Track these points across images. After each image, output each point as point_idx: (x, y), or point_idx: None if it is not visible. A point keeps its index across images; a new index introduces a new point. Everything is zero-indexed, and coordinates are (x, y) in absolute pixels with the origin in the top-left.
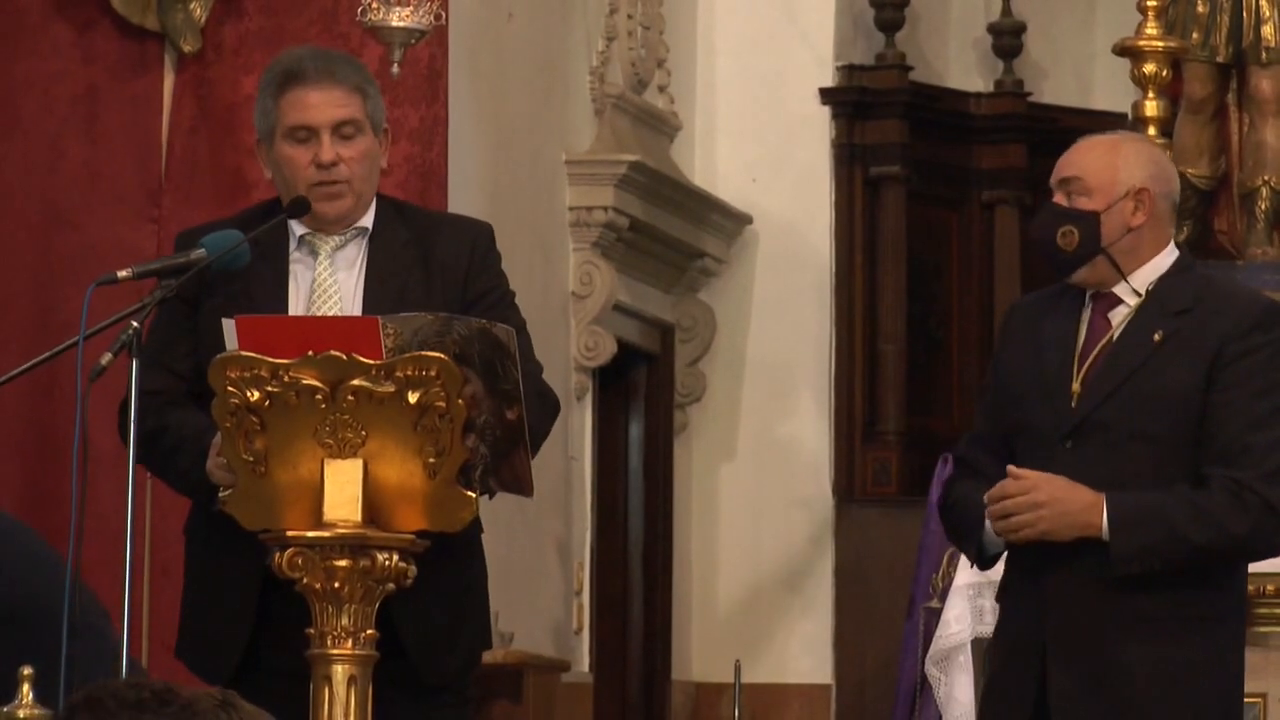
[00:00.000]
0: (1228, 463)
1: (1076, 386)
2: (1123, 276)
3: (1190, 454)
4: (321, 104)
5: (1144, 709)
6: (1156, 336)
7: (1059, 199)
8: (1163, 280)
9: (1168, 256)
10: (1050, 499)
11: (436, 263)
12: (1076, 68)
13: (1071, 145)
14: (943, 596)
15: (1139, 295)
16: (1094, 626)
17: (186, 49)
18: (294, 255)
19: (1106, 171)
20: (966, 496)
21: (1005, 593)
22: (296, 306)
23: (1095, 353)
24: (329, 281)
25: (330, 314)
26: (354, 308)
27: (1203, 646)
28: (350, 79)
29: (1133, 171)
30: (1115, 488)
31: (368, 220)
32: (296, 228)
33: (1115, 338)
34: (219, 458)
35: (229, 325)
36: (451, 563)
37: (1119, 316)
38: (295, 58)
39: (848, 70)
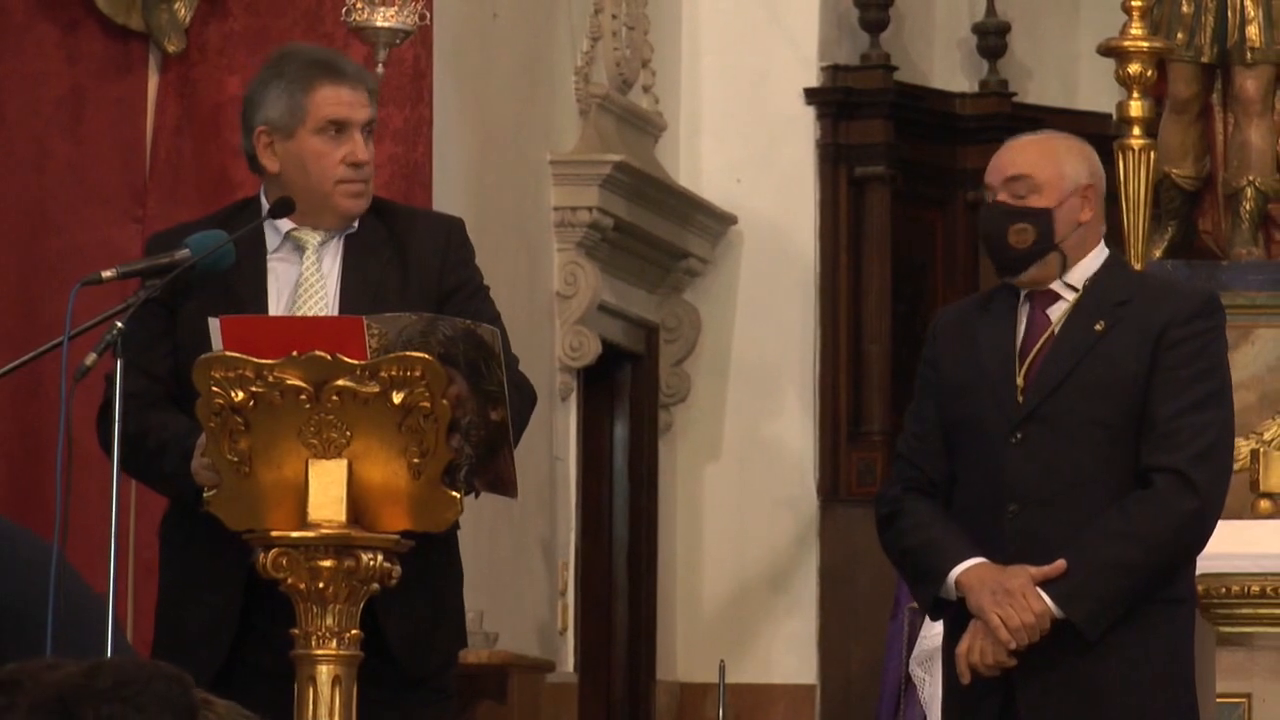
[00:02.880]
0: (1160, 446)
1: (1020, 380)
2: (1064, 272)
3: (1135, 439)
4: (356, 103)
5: (1109, 695)
6: (1098, 326)
7: (1003, 198)
8: (1098, 275)
9: (1100, 253)
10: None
11: (413, 257)
12: (1061, 68)
13: (1002, 146)
14: None
15: (1075, 291)
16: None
17: (171, 49)
18: (276, 254)
19: (1053, 168)
20: (923, 535)
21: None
22: (279, 303)
23: (1037, 347)
24: (314, 278)
25: (316, 309)
26: (333, 303)
27: (1166, 630)
28: (369, 82)
29: (1078, 168)
30: (1064, 477)
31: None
32: (282, 224)
33: (1056, 331)
34: (203, 458)
35: (213, 325)
36: (432, 558)
37: (1058, 311)
38: (322, 52)
39: (832, 70)
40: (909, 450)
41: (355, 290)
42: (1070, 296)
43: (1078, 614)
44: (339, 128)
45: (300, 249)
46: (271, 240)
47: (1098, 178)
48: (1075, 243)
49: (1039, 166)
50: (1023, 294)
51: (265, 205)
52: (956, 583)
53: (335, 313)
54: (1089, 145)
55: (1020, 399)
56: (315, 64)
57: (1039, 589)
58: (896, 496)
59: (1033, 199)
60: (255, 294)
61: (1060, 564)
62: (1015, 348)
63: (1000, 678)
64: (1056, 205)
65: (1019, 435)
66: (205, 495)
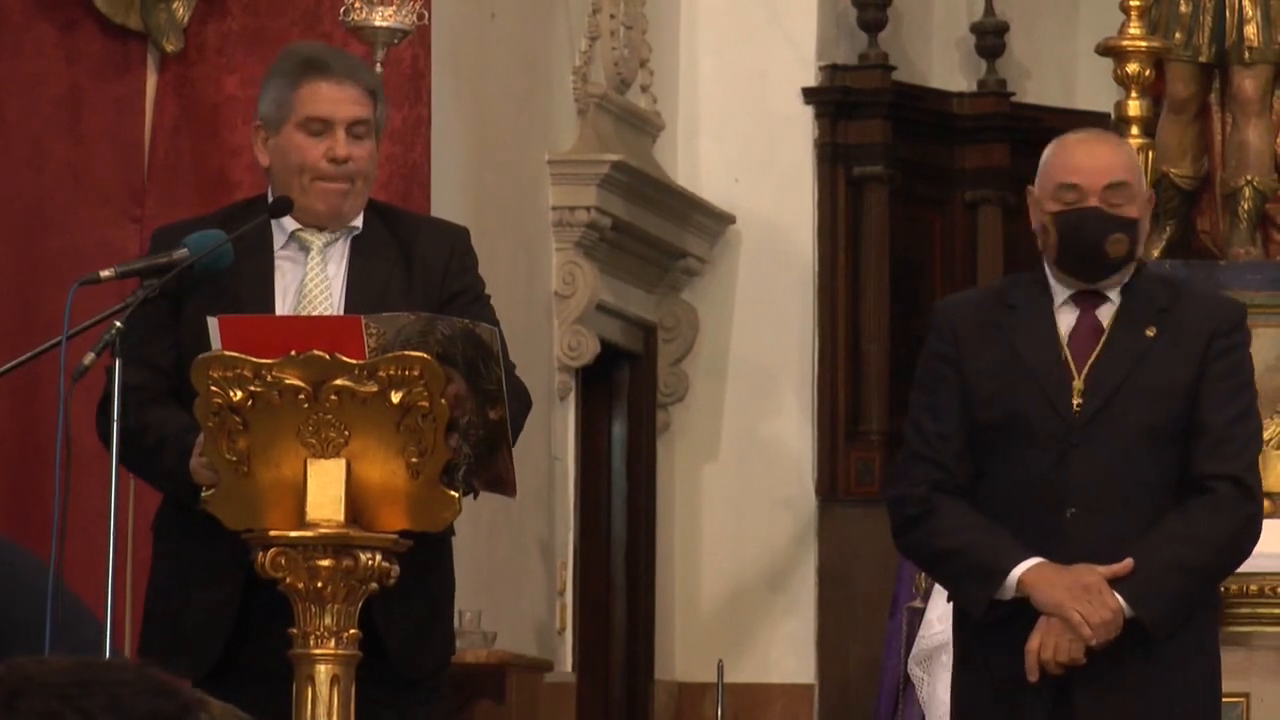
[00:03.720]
0: (1216, 453)
1: (1079, 384)
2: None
3: (1183, 445)
4: (342, 99)
5: (1163, 699)
6: (1149, 332)
7: (1098, 203)
8: (1135, 279)
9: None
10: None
11: (417, 262)
12: (1059, 68)
13: (1078, 143)
14: (925, 596)
15: (1116, 293)
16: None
17: (169, 49)
18: (282, 252)
19: (1141, 178)
20: (967, 536)
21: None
22: (284, 304)
23: (1096, 351)
24: (319, 278)
25: (320, 310)
26: (339, 304)
27: (1209, 635)
28: (368, 81)
29: (1142, 176)
30: (1123, 481)
31: (358, 220)
32: (287, 224)
33: (1109, 336)
34: (201, 457)
35: (212, 324)
36: (427, 559)
37: (1107, 315)
38: (317, 49)
39: (830, 70)
40: (929, 450)
41: (361, 292)
42: (1115, 298)
43: (1147, 614)
44: (322, 124)
45: (305, 249)
46: (278, 239)
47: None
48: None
49: (1136, 174)
50: (1064, 295)
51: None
52: (1020, 581)
53: (340, 314)
54: None
55: (1079, 401)
56: (305, 61)
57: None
58: (924, 496)
59: (1127, 208)
60: (262, 293)
61: (1128, 563)
62: (1063, 349)
63: (1050, 680)
64: (1140, 216)
65: (1078, 439)
66: (203, 495)
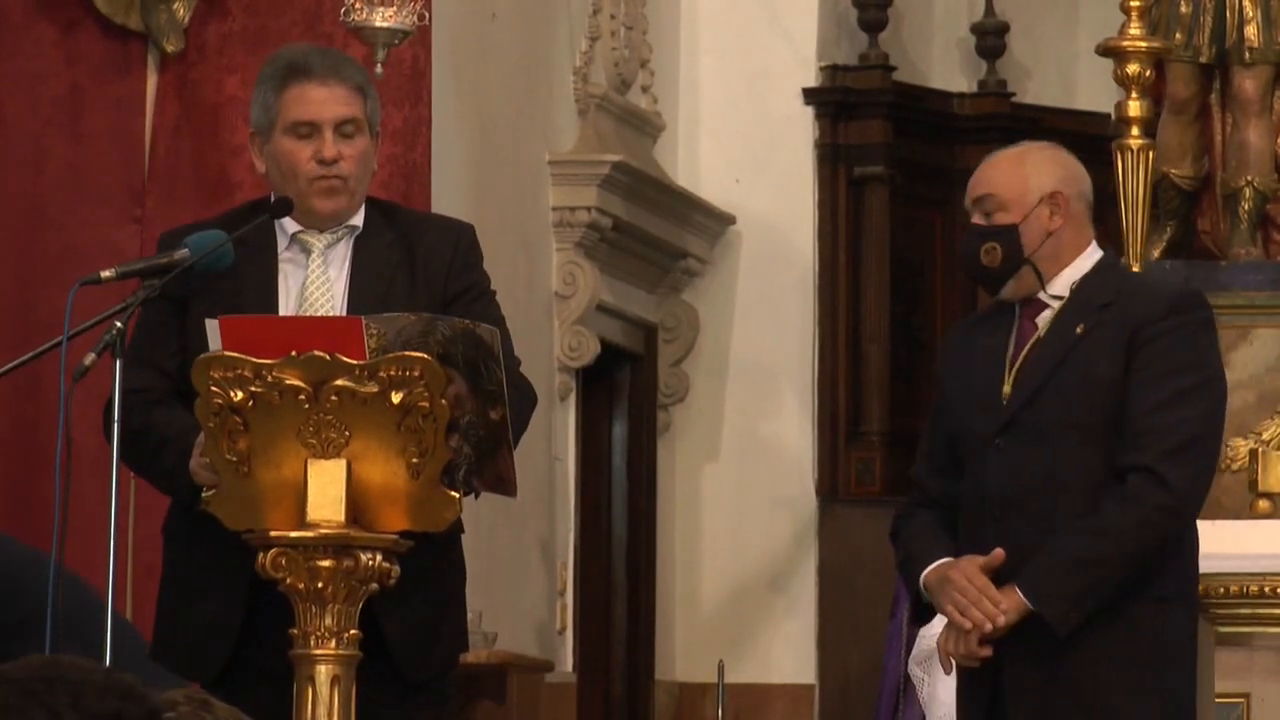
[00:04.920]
0: (1131, 445)
1: (1007, 389)
2: (1042, 283)
3: (1113, 441)
4: (326, 100)
5: (1093, 693)
6: (1079, 329)
7: (977, 219)
8: (1085, 279)
9: (1090, 257)
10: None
11: (421, 261)
12: (1060, 68)
13: (980, 165)
14: None
15: (1063, 297)
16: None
17: (169, 49)
18: (285, 254)
19: (1017, 183)
20: (909, 546)
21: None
22: (287, 305)
23: (1023, 355)
24: (321, 279)
25: (323, 311)
26: (341, 305)
27: (1154, 629)
28: (354, 78)
29: (1043, 178)
30: (1039, 480)
31: (358, 219)
32: (288, 225)
33: (1041, 337)
34: (202, 458)
35: (212, 325)
36: (434, 560)
37: (1045, 319)
38: (300, 52)
39: (831, 70)
40: (917, 469)
41: (363, 293)
42: (1056, 304)
43: (1048, 609)
44: (309, 127)
45: (306, 251)
46: (281, 243)
47: (1071, 183)
48: (1049, 253)
49: (1001, 184)
50: (1017, 306)
51: None
52: (924, 585)
53: (343, 314)
54: (1065, 152)
55: (1004, 405)
56: (288, 65)
57: (1014, 585)
58: (902, 514)
59: (1000, 216)
60: (265, 296)
61: (998, 553)
62: (1006, 357)
63: (990, 674)
64: (1022, 219)
65: (999, 441)
66: (203, 495)
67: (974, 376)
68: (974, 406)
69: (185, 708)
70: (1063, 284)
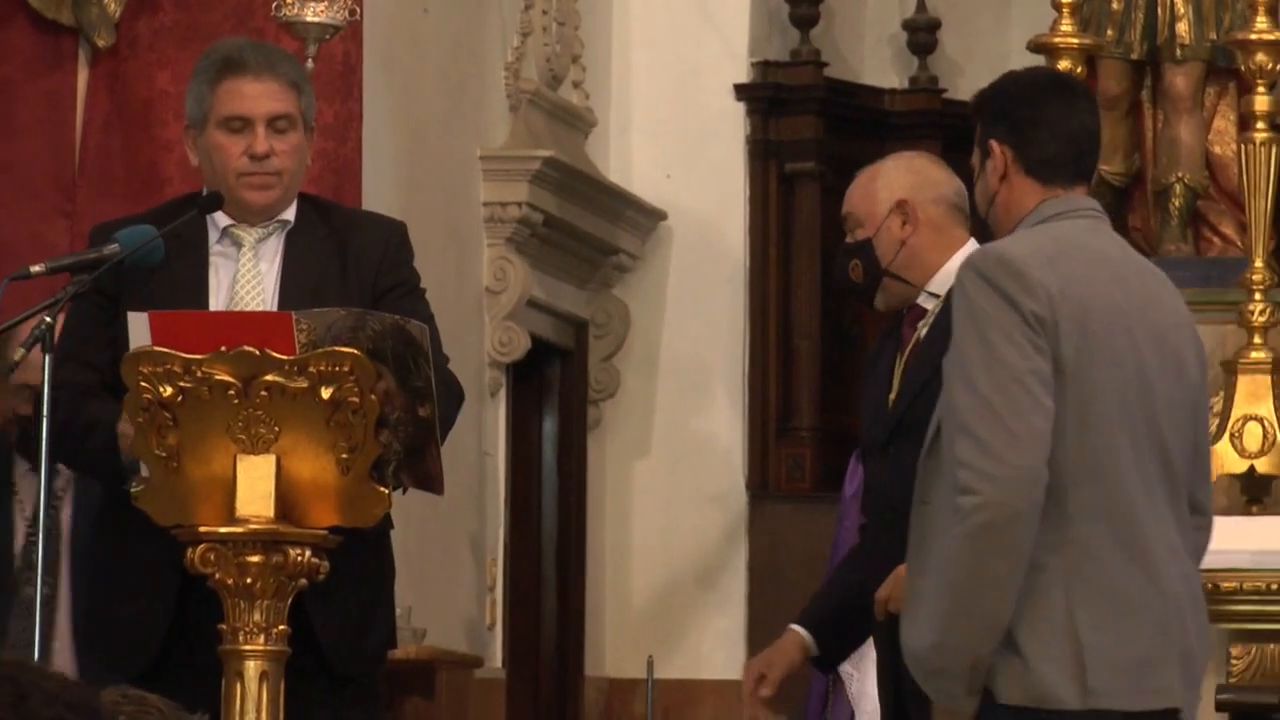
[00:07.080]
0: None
1: (893, 396)
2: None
3: None
4: (259, 95)
5: None
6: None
7: (848, 238)
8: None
9: (964, 254)
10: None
11: (352, 257)
12: (991, 64)
13: None
14: None
15: (937, 298)
16: None
17: (101, 44)
18: (216, 248)
19: (868, 199)
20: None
21: None
22: (218, 299)
23: (904, 360)
24: (252, 273)
25: (253, 305)
26: (272, 299)
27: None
28: (288, 74)
29: (891, 189)
30: (891, 496)
31: (290, 214)
32: (220, 219)
33: (920, 340)
34: (128, 425)
35: (138, 319)
36: (363, 556)
37: (927, 322)
38: (235, 46)
39: (763, 66)
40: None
41: (294, 288)
42: (931, 305)
43: (825, 651)
44: (242, 121)
45: (238, 245)
46: (212, 235)
47: (921, 189)
48: (906, 261)
49: (855, 201)
50: (904, 314)
51: None
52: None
53: (274, 309)
54: (924, 158)
55: (890, 412)
56: (223, 59)
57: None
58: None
59: (859, 233)
60: (196, 289)
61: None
62: (894, 366)
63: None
64: (875, 233)
65: (892, 449)
66: (133, 490)
67: (871, 390)
68: (870, 418)
69: (129, 708)
70: (940, 285)
